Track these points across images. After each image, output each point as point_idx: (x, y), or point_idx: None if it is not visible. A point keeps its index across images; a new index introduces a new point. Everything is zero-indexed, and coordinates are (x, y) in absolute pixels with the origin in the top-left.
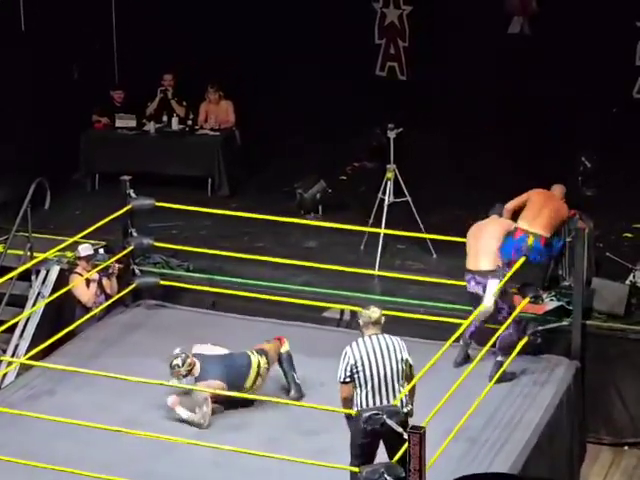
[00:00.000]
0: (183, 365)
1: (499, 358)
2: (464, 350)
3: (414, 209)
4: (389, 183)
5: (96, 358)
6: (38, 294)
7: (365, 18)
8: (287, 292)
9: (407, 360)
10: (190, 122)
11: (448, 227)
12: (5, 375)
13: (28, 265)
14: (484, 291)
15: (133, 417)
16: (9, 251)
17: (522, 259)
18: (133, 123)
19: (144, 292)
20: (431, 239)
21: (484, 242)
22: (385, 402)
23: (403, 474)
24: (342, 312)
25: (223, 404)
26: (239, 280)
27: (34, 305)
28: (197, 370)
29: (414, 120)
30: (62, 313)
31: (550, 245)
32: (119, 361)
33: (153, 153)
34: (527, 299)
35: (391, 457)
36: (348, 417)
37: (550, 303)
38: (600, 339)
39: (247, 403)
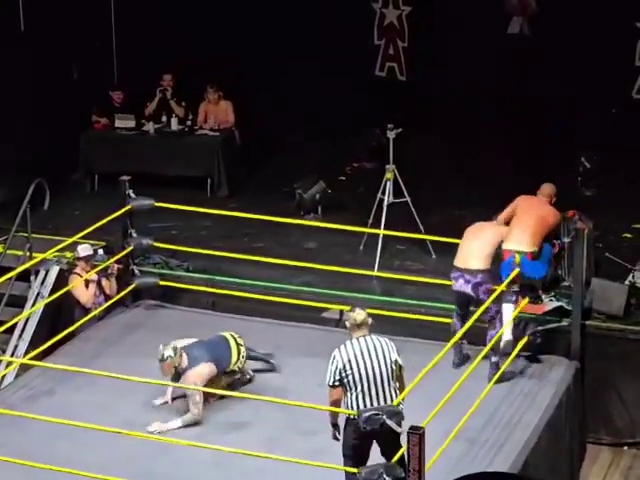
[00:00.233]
0: (175, 355)
1: (493, 359)
2: (459, 350)
3: (413, 209)
4: (388, 183)
5: (96, 358)
6: (37, 294)
7: (364, 18)
8: (286, 292)
9: (397, 360)
10: (189, 122)
11: (448, 227)
12: (4, 376)
13: (27, 265)
14: (472, 290)
15: (132, 418)
16: (8, 251)
17: (516, 270)
18: (132, 123)
19: (144, 292)
20: (430, 239)
21: (479, 244)
22: (376, 404)
23: (402, 474)
24: (341, 313)
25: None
26: (238, 280)
27: (33, 305)
28: (185, 361)
29: (414, 120)
30: (61, 313)
31: (539, 254)
32: (119, 361)
33: (152, 153)
34: (526, 300)
35: (386, 458)
36: (334, 422)
37: (550, 303)
38: (599, 339)
39: (235, 385)
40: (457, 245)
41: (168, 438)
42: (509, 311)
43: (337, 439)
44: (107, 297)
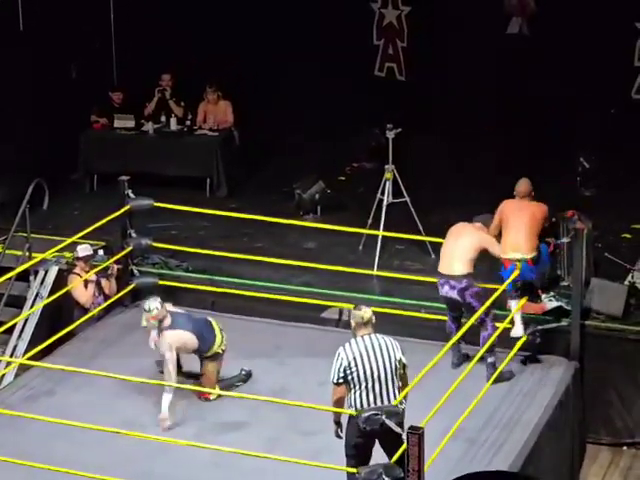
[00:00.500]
0: (162, 308)
1: (490, 359)
2: (457, 351)
3: (413, 209)
4: (388, 183)
5: (95, 358)
6: (37, 295)
7: (364, 18)
8: (286, 292)
9: (401, 359)
10: (188, 122)
11: (447, 227)
12: (4, 375)
13: (27, 265)
14: (458, 295)
15: (131, 418)
16: (8, 251)
17: (516, 272)
18: (131, 123)
19: (143, 292)
20: (430, 239)
21: (462, 248)
22: (379, 402)
23: (402, 474)
24: (341, 312)
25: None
26: (238, 280)
27: (33, 306)
28: (168, 321)
29: (413, 120)
30: (61, 314)
31: (538, 257)
32: (118, 362)
33: (152, 153)
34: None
35: (389, 457)
36: (337, 420)
37: (549, 303)
38: (599, 339)
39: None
40: None
41: (167, 438)
42: (515, 306)
43: (340, 437)
44: (106, 297)
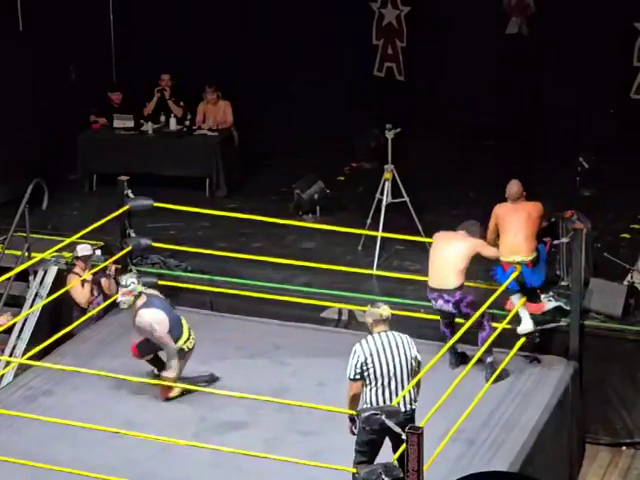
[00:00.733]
0: (138, 284)
1: (488, 359)
2: (453, 352)
3: (412, 210)
4: (387, 183)
5: (94, 358)
6: (36, 294)
7: (363, 18)
8: (285, 292)
9: (416, 357)
10: (188, 122)
11: (446, 228)
12: (3, 375)
13: (26, 265)
14: (454, 308)
15: (131, 418)
16: (7, 251)
17: (515, 273)
18: (131, 123)
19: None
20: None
21: (452, 260)
22: (395, 398)
23: (401, 475)
24: (340, 312)
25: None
26: (237, 280)
27: (32, 306)
28: (144, 298)
29: (412, 120)
30: (60, 313)
31: (538, 259)
32: (117, 361)
33: (151, 154)
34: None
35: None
36: (352, 417)
37: (548, 303)
38: (598, 339)
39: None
40: None
41: (167, 438)
42: (516, 300)
43: (354, 433)
44: (106, 297)
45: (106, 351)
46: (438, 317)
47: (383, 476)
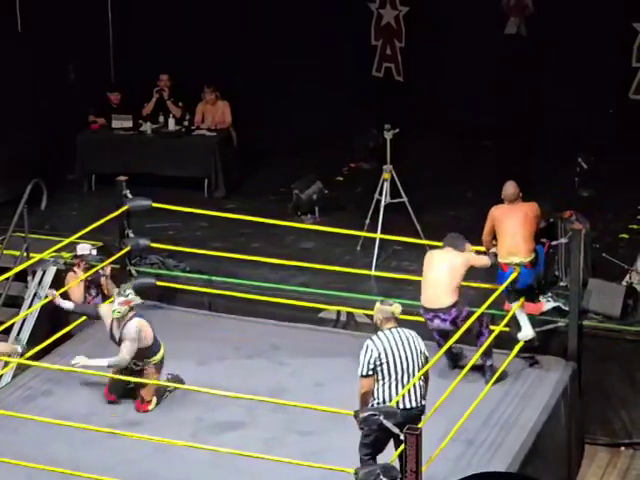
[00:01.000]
0: (135, 297)
1: (488, 363)
2: (450, 354)
3: (411, 210)
4: (386, 184)
5: (93, 359)
6: (34, 295)
7: (362, 19)
8: (283, 293)
9: (424, 352)
10: (186, 123)
11: (445, 228)
12: (1, 376)
13: (24, 265)
14: (451, 325)
15: (129, 418)
16: (5, 251)
17: (514, 274)
18: (129, 124)
19: (140, 293)
20: (428, 238)
21: (445, 278)
22: (407, 395)
23: (399, 475)
24: (339, 313)
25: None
26: (235, 281)
27: (30, 306)
28: (134, 311)
29: (411, 121)
30: (59, 314)
31: (536, 259)
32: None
33: (149, 154)
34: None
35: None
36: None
37: (546, 304)
38: (596, 340)
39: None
40: None
41: (164, 438)
42: (514, 307)
43: (362, 429)
44: (105, 297)
45: (104, 351)
46: None
47: (381, 476)
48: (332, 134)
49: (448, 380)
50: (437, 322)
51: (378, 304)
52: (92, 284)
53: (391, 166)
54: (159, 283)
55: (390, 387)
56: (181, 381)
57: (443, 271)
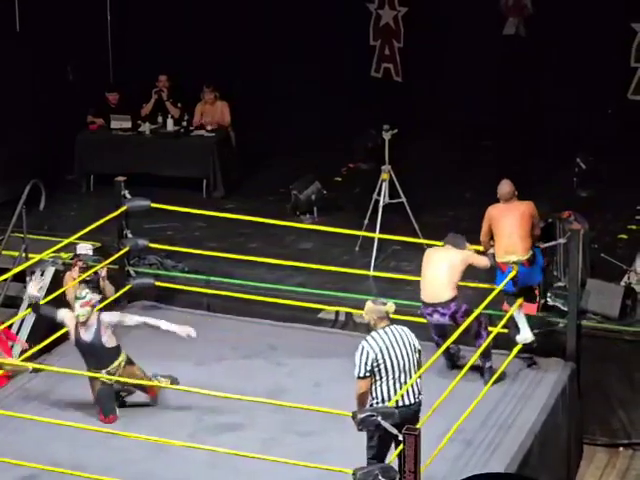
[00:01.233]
0: (93, 297)
1: (487, 364)
2: (448, 355)
3: (409, 210)
4: (384, 184)
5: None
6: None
7: (360, 19)
8: (282, 293)
9: (418, 347)
10: (185, 123)
11: (443, 228)
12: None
13: (23, 266)
14: (450, 320)
15: (129, 418)
16: (4, 252)
17: (513, 272)
18: (128, 124)
19: (139, 293)
20: (427, 239)
21: (446, 273)
22: (405, 392)
23: (398, 475)
24: (337, 313)
25: None
26: (234, 281)
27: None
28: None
29: (410, 121)
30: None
31: (534, 257)
32: None
33: (148, 154)
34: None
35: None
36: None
37: (545, 304)
38: (595, 340)
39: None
40: None
41: (164, 439)
42: (512, 309)
43: (361, 431)
44: (103, 298)
45: None
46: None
47: (380, 477)
48: (330, 134)
49: (447, 380)
50: (436, 317)
51: (370, 304)
52: (89, 285)
53: (390, 166)
54: (157, 283)
55: (388, 385)
56: (175, 380)
57: (443, 268)
